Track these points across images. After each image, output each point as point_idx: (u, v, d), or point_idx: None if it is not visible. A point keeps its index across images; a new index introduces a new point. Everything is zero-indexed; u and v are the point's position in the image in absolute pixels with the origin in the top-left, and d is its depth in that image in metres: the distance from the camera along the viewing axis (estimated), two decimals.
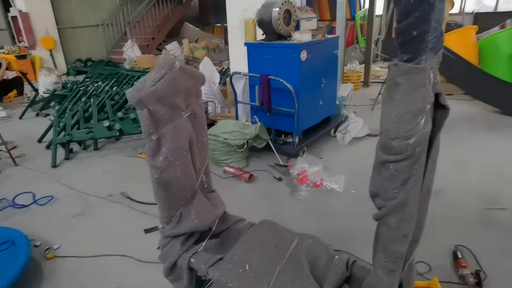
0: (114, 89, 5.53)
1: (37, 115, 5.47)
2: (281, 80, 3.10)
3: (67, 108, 4.77)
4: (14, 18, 8.76)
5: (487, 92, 4.51)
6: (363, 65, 6.48)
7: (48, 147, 4.00)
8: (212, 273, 1.49)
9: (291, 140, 3.39)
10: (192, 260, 1.58)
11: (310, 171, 2.97)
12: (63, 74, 8.79)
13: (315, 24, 3.70)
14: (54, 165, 3.55)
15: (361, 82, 6.27)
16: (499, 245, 2.11)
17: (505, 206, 2.48)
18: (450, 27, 6.90)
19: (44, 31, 9.08)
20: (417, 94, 0.79)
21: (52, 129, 4.18)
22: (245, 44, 3.53)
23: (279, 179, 3.06)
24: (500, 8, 8.43)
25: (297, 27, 3.45)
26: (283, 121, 3.41)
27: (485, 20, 7.55)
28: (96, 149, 3.98)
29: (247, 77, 3.69)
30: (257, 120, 3.51)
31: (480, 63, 5.30)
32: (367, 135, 3.90)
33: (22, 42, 8.92)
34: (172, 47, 9.86)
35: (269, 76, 3.21)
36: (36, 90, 6.39)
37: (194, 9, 12.84)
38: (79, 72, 9.03)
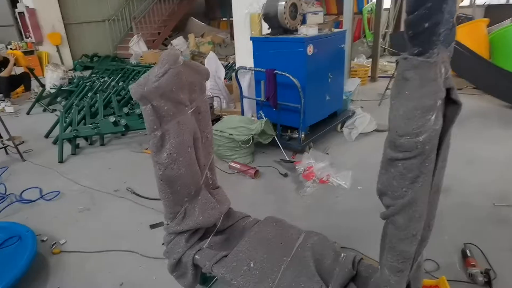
0: (120, 84, 5.54)
1: (44, 110, 5.51)
2: (287, 74, 3.06)
3: (74, 104, 4.80)
4: (21, 14, 8.81)
5: (498, 86, 4.42)
6: (370, 60, 6.39)
7: (55, 142, 4.02)
8: (216, 270, 1.48)
9: (297, 135, 3.35)
10: (196, 256, 1.58)
11: (316, 167, 2.94)
12: (70, 70, 8.84)
13: (321, 18, 3.64)
14: (61, 161, 3.57)
15: (368, 76, 6.19)
16: (509, 243, 2.07)
17: None
18: (461, 20, 6.75)
19: (50, 27, 9.12)
20: (428, 89, 0.76)
21: (58, 124, 4.20)
22: (251, 38, 3.49)
23: (285, 175, 3.04)
24: None
25: (303, 21, 3.40)
26: (289, 116, 3.38)
27: (496, 13, 7.37)
28: (102, 144, 4.00)
29: (253, 72, 3.66)
30: (263, 115, 3.49)
31: (491, 56, 5.18)
32: (374, 130, 3.85)
33: (29, 38, 8.97)
34: (178, 42, 9.84)
35: (275, 71, 3.18)
36: (43, 85, 6.44)
37: (200, 3, 12.78)
38: (86, 68, 9.07)
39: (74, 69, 9.30)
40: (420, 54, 0.75)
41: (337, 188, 2.78)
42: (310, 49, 3.09)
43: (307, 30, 3.16)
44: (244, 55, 4.15)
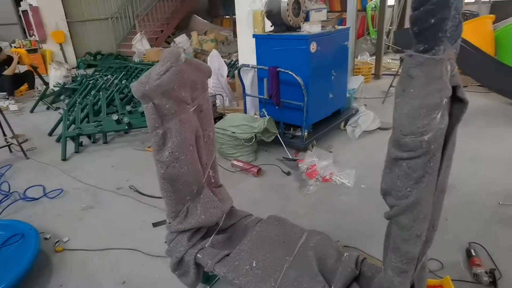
0: (123, 82, 5.54)
1: (48, 108, 5.52)
2: (290, 72, 3.04)
3: (77, 102, 4.80)
4: (24, 12, 8.85)
5: (504, 84, 4.36)
6: (374, 57, 6.34)
7: (58, 140, 4.03)
8: (218, 270, 1.48)
9: (300, 133, 3.34)
10: (198, 255, 1.57)
11: (319, 165, 2.92)
12: (73, 68, 8.86)
13: (325, 15, 3.61)
14: (64, 159, 3.58)
15: (372, 74, 6.15)
16: None
17: None
18: (466, 16, 6.68)
19: (54, 25, 9.14)
20: (433, 87, 0.74)
21: (61, 122, 4.21)
22: (253, 36, 3.47)
23: (288, 173, 3.03)
24: None
25: (306, 18, 3.37)
26: (292, 114, 3.36)
27: (502, 9, 7.29)
28: (105, 142, 4.00)
29: (256, 69, 3.64)
30: (266, 113, 3.47)
31: (496, 53, 5.12)
32: (378, 128, 3.82)
33: (33, 36, 9.01)
34: (180, 40, 9.83)
35: (278, 69, 3.16)
36: (46, 83, 6.46)
37: (203, 1, 12.76)
38: (89, 66, 9.09)
39: (78, 67, 9.33)
40: (425, 51, 0.73)
41: (340, 187, 2.77)
42: (313, 47, 3.07)
43: (310, 28, 3.14)
44: (247, 53, 4.13)
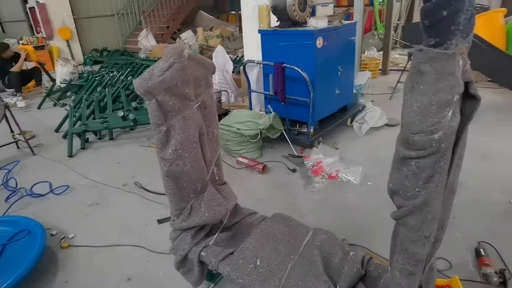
0: (129, 78, 5.55)
1: (55, 105, 5.56)
2: (296, 68, 3.00)
3: (83, 98, 4.82)
4: (32, 9, 8.90)
5: None
6: (382, 53, 6.25)
7: (64, 136, 4.06)
8: (222, 268, 1.46)
9: (306, 130, 3.30)
10: (202, 253, 1.56)
11: (325, 162, 2.89)
12: (80, 64, 8.90)
13: (331, 10, 3.55)
14: (70, 155, 3.60)
15: (379, 70, 6.07)
16: None
17: None
18: (476, 10, 6.54)
19: (61, 22, 9.19)
20: (445, 83, 0.71)
21: (68, 119, 4.23)
22: (259, 31, 3.43)
23: (293, 170, 3.00)
24: None
25: (312, 13, 3.32)
26: (298, 110, 3.33)
27: None
28: (111, 139, 4.02)
29: (261, 65, 3.61)
30: (271, 109, 3.44)
31: (507, 48, 5.01)
32: (385, 125, 3.77)
33: (40, 33, 9.06)
34: (186, 36, 9.81)
35: (284, 64, 3.12)
36: (53, 80, 6.50)
37: None
38: (96, 62, 9.12)
39: (84, 64, 9.38)
40: (436, 46, 0.70)
41: (346, 184, 2.73)
42: (319, 42, 3.02)
43: (317, 23, 3.09)
44: (252, 48, 4.10)
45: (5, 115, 3.51)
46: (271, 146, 3.48)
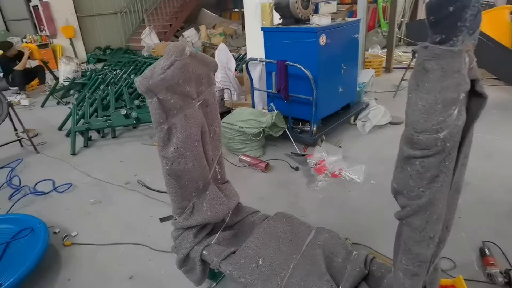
0: (132, 77, 5.55)
1: (58, 103, 5.57)
2: (298, 66, 2.98)
3: (86, 96, 4.83)
4: (35, 7, 8.92)
5: None
6: (385, 50, 6.21)
7: (67, 135, 4.07)
8: (224, 267, 1.46)
9: (309, 128, 3.28)
10: (204, 252, 1.55)
11: (328, 160, 2.87)
12: (83, 62, 8.93)
13: (334, 7, 3.52)
14: (73, 153, 3.61)
15: (383, 67, 6.03)
16: None
17: None
18: (481, 7, 6.47)
19: (64, 20, 9.21)
20: (451, 81, 0.69)
21: (71, 117, 4.25)
22: (262, 29, 3.41)
23: (296, 169, 2.99)
24: None
25: (315, 11, 3.29)
26: (300, 108, 3.31)
27: None
28: (114, 137, 4.02)
29: (264, 63, 3.59)
30: (274, 107, 3.42)
31: None
32: (389, 123, 3.74)
33: (44, 31, 9.08)
34: (189, 34, 9.79)
35: (287, 62, 3.10)
36: (57, 78, 6.52)
37: None
38: (99, 60, 9.14)
39: (88, 62, 9.40)
40: (442, 42, 0.68)
41: (349, 183, 2.72)
42: (322, 40, 3.00)
43: (320, 20, 3.07)
44: (255, 46, 4.08)
45: (8, 113, 3.52)
46: (274, 145, 3.47)
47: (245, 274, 1.40)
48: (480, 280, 1.74)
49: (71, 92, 5.51)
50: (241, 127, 3.16)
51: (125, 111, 3.71)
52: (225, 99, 4.16)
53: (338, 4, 4.38)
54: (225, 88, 4.25)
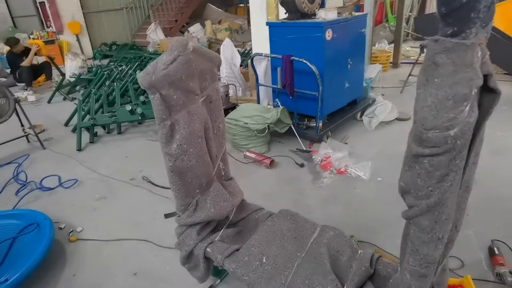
0: (137, 72, 5.55)
1: (64, 99, 5.60)
2: (304, 61, 2.94)
3: (91, 92, 4.84)
4: (42, 4, 8.95)
5: None
6: (393, 45, 6.12)
7: (73, 130, 4.08)
8: (228, 265, 1.44)
9: (315, 124, 3.25)
10: (208, 249, 1.54)
11: (334, 157, 2.84)
12: (89, 58, 8.95)
13: (341, 1, 3.47)
14: (79, 149, 3.63)
15: (390, 63, 5.95)
16: None
17: None
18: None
19: (70, 16, 9.24)
20: (462, 75, 0.65)
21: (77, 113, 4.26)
22: (267, 23, 3.37)
23: (301, 165, 2.96)
24: None
25: (322, 5, 3.25)
26: (306, 104, 3.27)
27: None
28: (119, 133, 4.03)
29: (269, 58, 3.55)
30: (279, 103, 3.39)
31: None
32: (396, 119, 3.69)
33: (50, 28, 9.13)
34: (195, 29, 9.76)
35: (292, 57, 3.06)
36: (63, 74, 6.55)
37: None
38: (105, 56, 9.17)
39: (94, 58, 9.43)
40: (454, 35, 0.65)
41: (355, 179, 2.68)
42: (329, 34, 2.95)
43: (326, 14, 3.02)
44: (260, 41, 4.04)
45: (15, 109, 3.54)
46: (279, 141, 3.44)
47: (249, 272, 1.38)
48: (488, 280, 1.70)
49: (77, 88, 5.53)
50: (246, 123, 3.14)
51: (130, 107, 3.71)
52: (230, 95, 4.14)
53: None
54: (230, 84, 4.23)
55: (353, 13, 3.39)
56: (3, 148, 3.61)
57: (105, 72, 5.86)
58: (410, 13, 7.96)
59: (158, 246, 2.14)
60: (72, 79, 6.01)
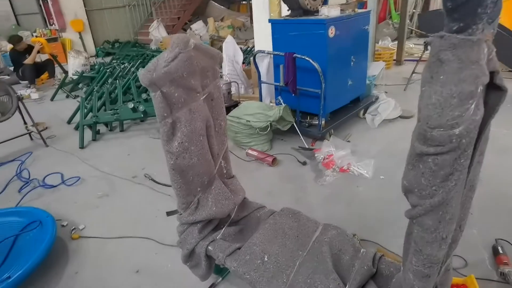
0: (139, 70, 5.54)
1: (67, 96, 5.61)
2: (307, 58, 2.92)
3: (94, 90, 4.85)
4: (44, 1, 8.96)
5: None
6: (396, 42, 6.07)
7: (76, 128, 4.09)
8: (229, 263, 1.44)
9: (317, 122, 3.23)
10: (209, 248, 1.54)
11: (336, 155, 2.83)
12: (92, 56, 8.96)
13: None
14: (82, 146, 3.63)
15: (394, 60, 5.91)
16: None
17: None
18: None
19: (73, 14, 9.25)
20: (468, 72, 0.64)
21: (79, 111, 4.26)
22: (269, 20, 3.35)
23: (304, 163, 2.95)
24: None
25: (324, 2, 3.22)
26: (309, 102, 3.25)
27: None
28: (121, 130, 4.03)
29: (272, 56, 3.53)
30: (282, 101, 3.37)
31: None
32: (399, 117, 3.66)
33: (53, 25, 9.13)
34: (197, 27, 9.75)
35: (295, 55, 3.04)
36: (66, 72, 6.56)
37: None
38: (108, 54, 9.17)
39: (97, 55, 9.44)
40: (460, 31, 0.63)
41: (358, 178, 2.67)
42: (331, 31, 2.93)
43: (329, 11, 2.99)
44: (263, 39, 4.02)
45: (18, 107, 3.55)
46: (281, 139, 3.43)
47: (250, 270, 1.38)
48: (492, 279, 1.69)
49: (80, 85, 5.54)
50: (248, 120, 3.13)
51: (132, 105, 3.71)
52: (232, 93, 4.12)
53: None
54: (232, 81, 4.21)
55: (356, 10, 3.36)
56: (6, 145, 3.62)
57: (108, 70, 5.86)
58: (414, 10, 7.89)
59: (160, 243, 2.15)
60: (75, 77, 6.01)
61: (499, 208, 2.18)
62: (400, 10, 6.18)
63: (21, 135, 3.77)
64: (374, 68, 4.23)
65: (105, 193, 2.76)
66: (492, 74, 0.70)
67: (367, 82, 3.82)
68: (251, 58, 3.81)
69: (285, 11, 3.38)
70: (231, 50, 4.46)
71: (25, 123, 3.80)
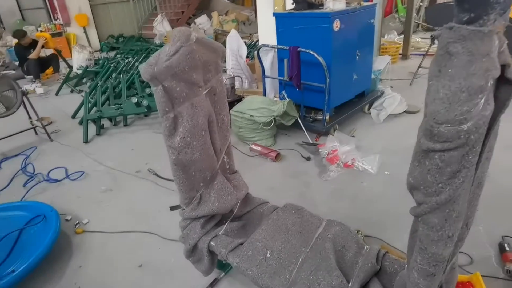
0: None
1: (72, 91, 5.62)
2: (311, 52, 2.89)
3: (98, 85, 4.85)
4: None
5: None
6: (402, 36, 5.99)
7: (80, 123, 4.10)
8: (231, 259, 1.43)
9: (322, 117, 3.20)
10: (212, 243, 1.53)
11: (341, 150, 2.80)
12: (96, 51, 8.95)
13: None
14: (86, 141, 3.64)
15: (400, 54, 5.83)
16: None
17: None
18: None
19: (77, 8, 9.24)
20: (478, 66, 0.61)
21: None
22: (274, 14, 3.31)
23: (308, 159, 2.93)
24: None
25: None
26: (313, 96, 3.22)
27: None
28: (125, 125, 4.03)
29: (276, 50, 3.50)
30: (286, 96, 3.35)
31: None
32: (405, 112, 3.62)
33: (58, 20, 9.14)
34: (201, 21, 9.69)
35: (299, 49, 3.01)
36: (70, 66, 6.57)
37: None
38: (112, 48, 9.16)
39: (101, 50, 9.44)
40: (470, 22, 0.60)
41: (362, 173, 2.64)
42: (336, 25, 2.89)
43: (334, 4, 2.95)
44: (267, 33, 3.97)
45: (22, 101, 3.56)
46: (285, 134, 3.41)
47: (253, 266, 1.37)
48: (498, 277, 1.67)
49: (84, 80, 5.54)
50: (252, 115, 3.11)
51: (136, 99, 3.71)
52: (236, 87, 4.10)
53: None
54: (236, 76, 4.18)
55: (361, 3, 3.31)
56: (11, 140, 3.64)
57: (112, 64, 5.86)
58: (421, 3, 7.77)
59: (164, 238, 2.15)
60: (79, 72, 6.02)
61: (506, 205, 2.15)
62: (407, 3, 6.09)
63: (26, 130, 3.79)
64: (380, 63, 4.18)
65: (109, 188, 2.76)
66: (503, 67, 0.67)
67: (373, 76, 3.78)
68: (255, 52, 3.78)
69: (289, 4, 3.34)
70: (235, 44, 4.42)
71: (30, 117, 3.81)
